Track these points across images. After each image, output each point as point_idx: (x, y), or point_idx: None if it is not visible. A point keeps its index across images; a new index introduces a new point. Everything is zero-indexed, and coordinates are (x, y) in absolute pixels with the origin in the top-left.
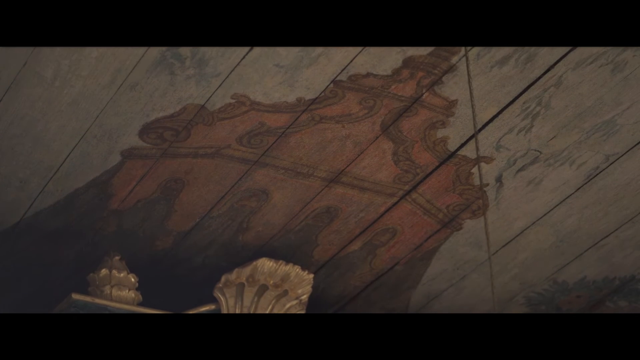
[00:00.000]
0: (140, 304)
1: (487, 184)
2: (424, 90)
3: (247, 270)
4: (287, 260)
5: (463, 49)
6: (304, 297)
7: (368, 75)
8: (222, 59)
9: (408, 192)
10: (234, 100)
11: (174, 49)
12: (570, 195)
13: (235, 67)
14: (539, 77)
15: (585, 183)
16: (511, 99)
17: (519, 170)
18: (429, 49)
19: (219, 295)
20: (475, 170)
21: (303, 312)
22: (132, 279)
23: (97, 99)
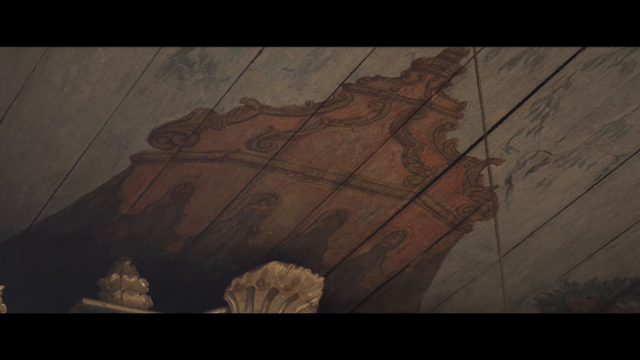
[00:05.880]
0: (150, 309)
1: (497, 186)
2: (432, 93)
3: (257, 274)
4: (298, 263)
5: (472, 51)
6: (315, 301)
7: (377, 78)
8: (231, 63)
9: (418, 195)
10: (242, 105)
11: (182, 54)
12: (580, 196)
13: (244, 71)
14: (548, 78)
15: (595, 184)
16: (520, 101)
17: (529, 171)
18: (438, 52)
19: (230, 299)
20: (484, 172)
21: None
22: (143, 284)
23: (106, 104)
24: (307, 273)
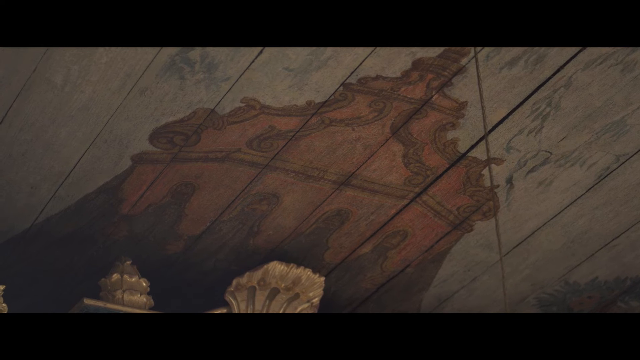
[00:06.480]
0: (151, 309)
1: (498, 186)
2: (433, 92)
3: (258, 273)
4: (298, 263)
5: (472, 50)
6: (315, 300)
7: (377, 77)
8: (232, 63)
9: (418, 195)
10: (243, 104)
11: (183, 54)
12: (581, 196)
13: (245, 70)
14: (549, 78)
15: (596, 183)
16: (521, 100)
17: (530, 171)
18: (438, 51)
19: (231, 298)
20: (485, 171)
21: None
22: (144, 284)
23: (107, 104)
24: (308, 273)
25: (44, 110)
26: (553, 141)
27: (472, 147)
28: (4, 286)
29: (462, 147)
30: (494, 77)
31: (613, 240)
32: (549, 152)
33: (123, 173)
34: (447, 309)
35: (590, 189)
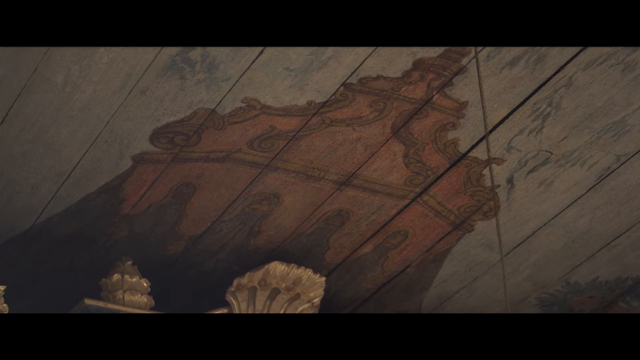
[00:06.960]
0: (152, 309)
1: (499, 186)
2: (434, 92)
3: (259, 273)
4: (299, 263)
5: (473, 50)
6: (316, 300)
7: (378, 77)
8: (232, 63)
9: (419, 195)
10: (244, 104)
11: (184, 54)
12: (582, 195)
13: (246, 71)
14: (550, 78)
15: (597, 183)
16: (522, 100)
17: (530, 171)
18: (439, 51)
19: (231, 299)
20: (486, 171)
21: None
22: (144, 284)
23: (108, 104)
24: (309, 273)
25: (45, 110)
26: (554, 141)
27: (473, 147)
28: (5, 286)
29: (463, 147)
30: (494, 77)
31: (614, 240)
32: (549, 152)
33: (124, 173)
34: (448, 309)
35: (591, 188)
